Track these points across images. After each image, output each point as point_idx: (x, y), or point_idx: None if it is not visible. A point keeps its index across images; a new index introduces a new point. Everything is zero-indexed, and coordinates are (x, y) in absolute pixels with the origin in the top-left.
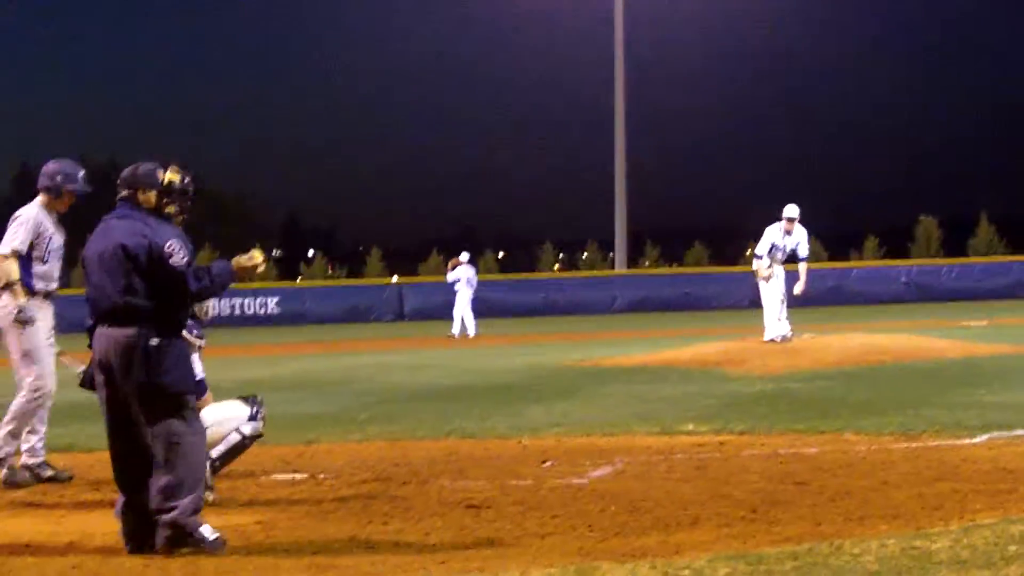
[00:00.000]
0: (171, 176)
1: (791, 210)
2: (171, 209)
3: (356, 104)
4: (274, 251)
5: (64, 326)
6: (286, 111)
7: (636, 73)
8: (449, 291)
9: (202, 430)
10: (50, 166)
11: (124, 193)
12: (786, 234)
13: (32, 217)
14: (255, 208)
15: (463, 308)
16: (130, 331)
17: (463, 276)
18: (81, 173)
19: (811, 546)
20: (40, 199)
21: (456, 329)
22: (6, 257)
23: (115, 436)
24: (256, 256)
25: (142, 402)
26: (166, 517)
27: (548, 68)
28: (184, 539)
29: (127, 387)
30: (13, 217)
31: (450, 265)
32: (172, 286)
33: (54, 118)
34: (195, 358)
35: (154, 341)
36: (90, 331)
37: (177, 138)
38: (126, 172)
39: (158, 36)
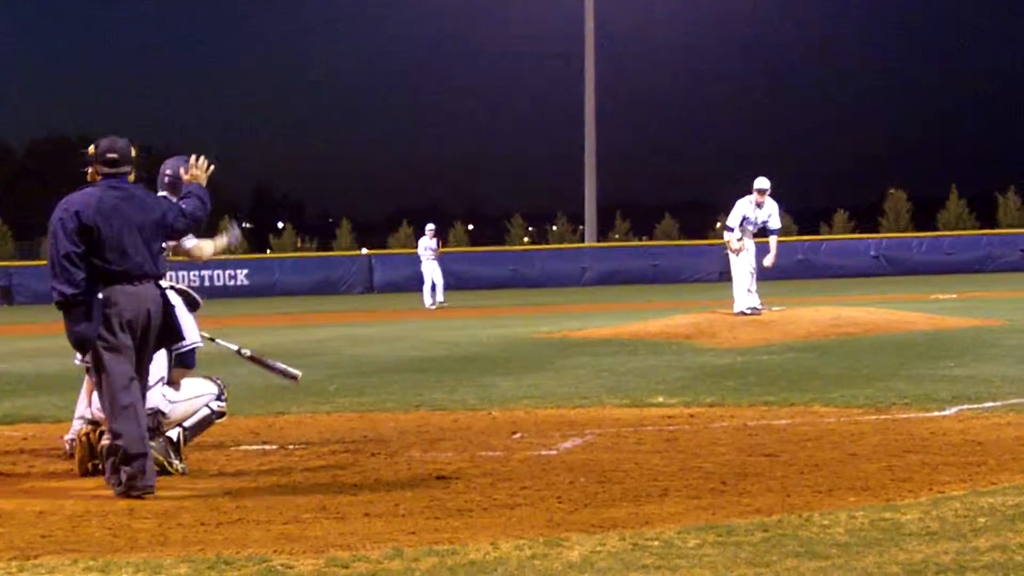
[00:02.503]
0: (134, 151)
1: (762, 182)
2: (131, 177)
3: (328, 77)
4: (240, 224)
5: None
6: (257, 82)
7: (607, 47)
8: (419, 264)
9: None
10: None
11: (125, 168)
12: (757, 206)
13: None
14: (224, 180)
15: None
16: (157, 290)
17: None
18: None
19: (780, 518)
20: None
21: (428, 300)
22: None
23: (132, 386)
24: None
25: (155, 351)
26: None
27: (519, 42)
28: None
29: (153, 339)
30: None
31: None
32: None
33: (22, 90)
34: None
35: (172, 297)
36: (73, 295)
37: (145, 109)
38: (123, 148)
39: (129, 6)
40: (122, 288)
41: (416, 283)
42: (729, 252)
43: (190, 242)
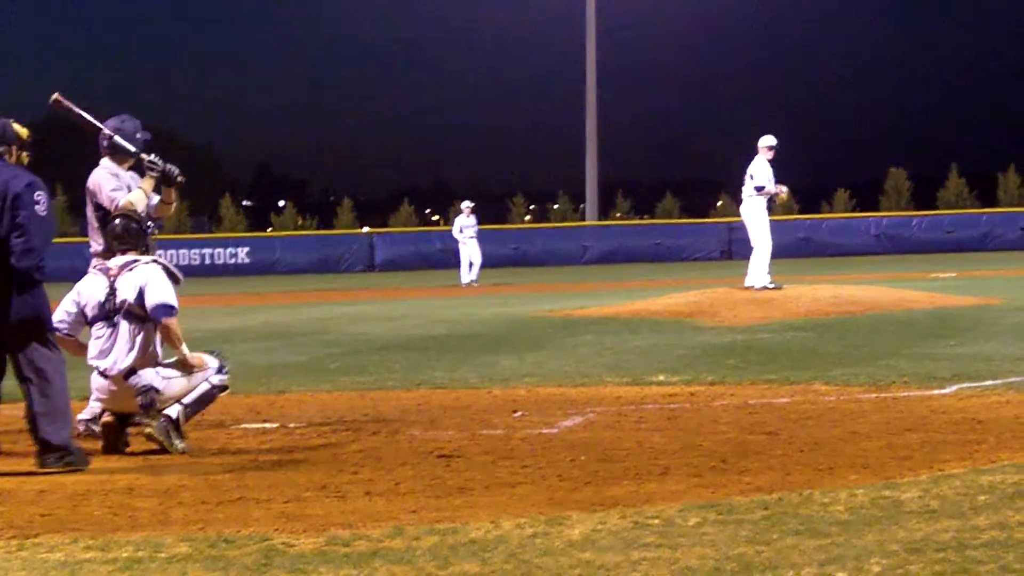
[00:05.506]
0: (24, 132)
1: (771, 139)
2: (25, 159)
3: (330, 55)
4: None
5: None
6: (258, 61)
7: (608, 24)
8: (420, 242)
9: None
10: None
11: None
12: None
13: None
14: (225, 158)
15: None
16: None
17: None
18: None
19: (781, 496)
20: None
21: (466, 277)
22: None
23: None
24: None
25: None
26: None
27: (520, 19)
28: None
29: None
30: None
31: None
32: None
33: (21, 65)
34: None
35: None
36: None
37: (147, 87)
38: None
39: None
40: None
41: (418, 261)
42: (753, 219)
43: (121, 200)
